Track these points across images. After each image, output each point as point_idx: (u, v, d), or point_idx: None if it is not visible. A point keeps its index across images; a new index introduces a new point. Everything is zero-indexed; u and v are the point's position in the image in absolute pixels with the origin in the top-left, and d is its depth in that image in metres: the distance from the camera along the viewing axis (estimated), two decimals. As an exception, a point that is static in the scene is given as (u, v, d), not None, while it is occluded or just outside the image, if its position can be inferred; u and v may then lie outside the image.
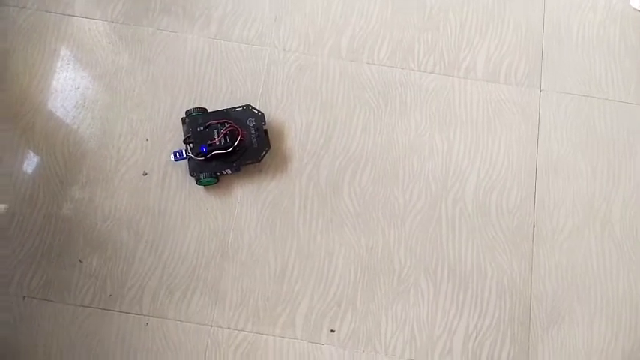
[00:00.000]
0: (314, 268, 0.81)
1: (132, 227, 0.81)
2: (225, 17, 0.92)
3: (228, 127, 0.81)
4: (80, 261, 0.80)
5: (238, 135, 0.81)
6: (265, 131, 0.84)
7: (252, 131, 0.83)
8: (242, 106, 0.84)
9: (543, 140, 0.87)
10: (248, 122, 0.84)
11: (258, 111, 0.85)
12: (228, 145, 0.81)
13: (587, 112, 0.88)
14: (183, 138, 0.83)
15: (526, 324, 0.78)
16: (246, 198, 0.83)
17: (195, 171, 0.82)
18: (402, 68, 0.90)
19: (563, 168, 0.85)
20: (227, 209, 0.83)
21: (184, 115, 0.85)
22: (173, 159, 0.82)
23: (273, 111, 0.87)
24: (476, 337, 0.78)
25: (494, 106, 0.89)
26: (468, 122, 0.88)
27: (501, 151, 0.86)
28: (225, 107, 0.85)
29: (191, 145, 0.82)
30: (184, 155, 0.82)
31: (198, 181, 0.82)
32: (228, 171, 0.83)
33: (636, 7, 0.92)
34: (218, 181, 0.83)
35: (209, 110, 0.85)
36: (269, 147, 0.84)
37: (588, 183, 0.85)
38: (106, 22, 0.91)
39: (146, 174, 0.84)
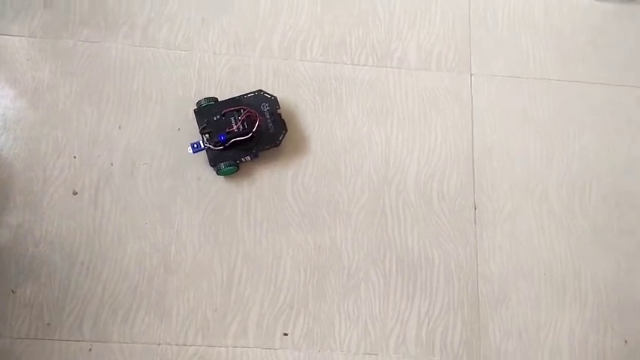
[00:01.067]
0: (262, 273, 0.79)
1: (65, 250, 0.77)
2: (150, 23, 0.89)
3: (246, 112, 0.81)
4: (13, 291, 0.75)
5: (256, 120, 0.81)
6: (280, 115, 0.84)
7: (268, 116, 0.83)
8: (254, 92, 0.84)
9: (477, 124, 0.88)
10: (262, 107, 0.83)
11: (271, 95, 0.84)
12: (247, 132, 0.80)
13: (518, 92, 0.90)
14: (198, 129, 0.81)
15: (475, 306, 0.80)
16: (186, 208, 0.81)
17: (215, 161, 0.81)
18: (336, 63, 0.90)
19: (499, 149, 0.87)
20: (167, 221, 0.80)
21: (195, 107, 0.83)
22: (191, 151, 0.81)
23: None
24: (428, 323, 0.78)
25: (428, 95, 0.89)
26: (404, 112, 0.88)
27: (438, 139, 0.87)
28: (235, 95, 0.84)
29: (207, 135, 0.80)
30: (202, 146, 0.81)
31: (219, 171, 0.81)
32: (248, 157, 0.82)
33: (555, -12, 0.95)
34: (238, 169, 0.82)
35: (220, 100, 0.84)
36: (286, 130, 0.83)
37: (524, 161, 0.86)
38: (23, 38, 0.86)
39: (76, 193, 0.80)
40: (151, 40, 0.88)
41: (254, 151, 0.82)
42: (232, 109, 0.82)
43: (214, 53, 0.88)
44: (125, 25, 0.89)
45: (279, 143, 0.83)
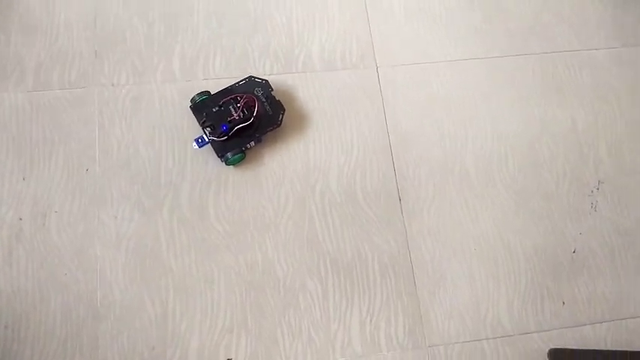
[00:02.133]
0: (196, 302, 0.77)
1: (-18, 317, 0.73)
2: (41, 66, 0.85)
3: (244, 99, 0.82)
4: None
5: (254, 105, 0.81)
6: (274, 96, 0.85)
7: (263, 99, 0.84)
8: (244, 79, 0.86)
9: (390, 115, 0.89)
10: (256, 92, 0.84)
11: (262, 79, 0.86)
12: (248, 117, 0.81)
13: (423, 78, 0.91)
14: (199, 122, 0.82)
15: (414, 294, 0.80)
16: (106, 250, 0.78)
17: (221, 151, 0.81)
18: (241, 76, 0.88)
19: (414, 137, 0.88)
20: (88, 267, 0.77)
21: (190, 104, 0.84)
22: (196, 146, 0.81)
23: (115, 149, 0.82)
24: (370, 321, 0.78)
25: (339, 94, 0.89)
26: (319, 114, 0.88)
27: (354, 135, 0.87)
28: (227, 85, 0.85)
29: (209, 128, 0.81)
30: (206, 140, 0.81)
31: (227, 161, 0.82)
32: (252, 143, 0.83)
33: (445, -30, 0.97)
34: (245, 157, 0.83)
35: (212, 92, 0.84)
36: (284, 109, 0.85)
37: (439, 143, 0.88)
38: None
39: (-16, 256, 0.76)
40: (45, 83, 0.84)
41: (257, 135, 0.83)
42: (229, 98, 0.82)
43: (112, 85, 0.85)
44: (15, 71, 0.85)
45: (280, 123, 0.84)
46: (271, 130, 0.84)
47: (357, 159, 0.86)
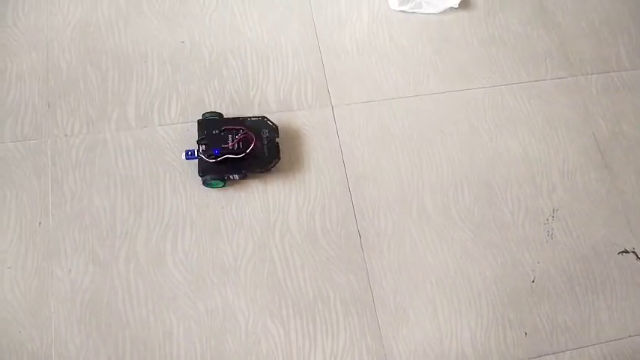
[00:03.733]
0: (155, 355, 0.75)
1: None
2: (-7, 118, 0.85)
3: (243, 133, 0.83)
4: None
5: (252, 142, 0.83)
6: (277, 144, 0.86)
7: (265, 142, 0.86)
8: (258, 117, 0.88)
9: (347, 152, 0.90)
10: (262, 133, 0.86)
11: (273, 124, 0.88)
12: (240, 151, 0.83)
13: (378, 115, 0.93)
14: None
15: (377, 332, 0.79)
16: (61, 305, 0.76)
17: (204, 172, 0.83)
18: (195, 121, 0.89)
19: (371, 173, 0.89)
20: (42, 324, 0.74)
21: (200, 118, 0.87)
22: (184, 157, 0.84)
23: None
24: (334, 362, 0.78)
25: (296, 134, 0.90)
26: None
27: (313, 175, 0.87)
28: (241, 116, 0.88)
29: (204, 146, 0.83)
30: (196, 155, 0.83)
31: (206, 183, 0.84)
32: (236, 176, 0.85)
33: (395, 7, 1.00)
34: (225, 185, 0.84)
35: (225, 116, 0.88)
36: (279, 158, 0.86)
37: (396, 179, 0.88)
38: None
39: None
40: (-4, 136, 0.84)
41: (243, 172, 0.84)
42: (233, 127, 0.84)
43: (66, 135, 0.85)
44: (-35, 125, 0.84)
45: (271, 169, 0.85)
46: (259, 172, 0.85)
47: (317, 198, 0.86)
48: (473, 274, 0.84)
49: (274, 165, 0.85)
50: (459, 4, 1.00)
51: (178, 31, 0.94)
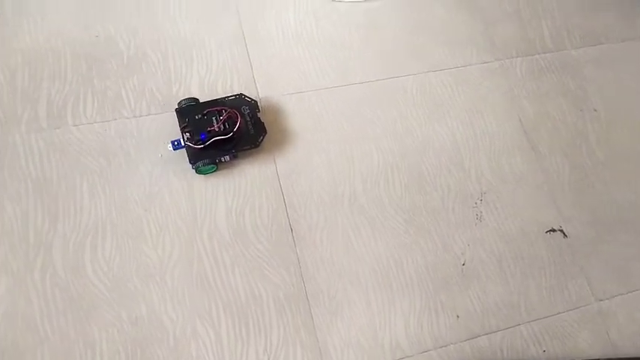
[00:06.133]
0: (77, 368, 0.72)
1: None
2: None
3: (228, 113, 0.82)
4: None
5: (237, 121, 0.81)
6: (259, 118, 0.86)
7: (248, 118, 0.85)
8: (235, 95, 0.87)
9: (276, 146, 0.87)
10: (243, 110, 0.85)
11: (251, 99, 0.86)
12: (227, 131, 0.81)
13: (307, 105, 0.91)
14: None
15: (311, 326, 0.78)
16: (-31, 323, 0.71)
17: (194, 159, 0.81)
18: (116, 119, 0.85)
19: (302, 166, 0.87)
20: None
21: (177, 107, 0.84)
22: (171, 148, 0.81)
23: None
24: (268, 359, 0.76)
25: (222, 128, 0.88)
26: (201, 152, 0.86)
27: (242, 171, 0.85)
28: (217, 97, 0.86)
29: (188, 133, 0.81)
30: (182, 144, 0.81)
31: (198, 170, 0.82)
32: (227, 157, 0.83)
33: (322, -3, 0.99)
34: (217, 169, 0.83)
35: (201, 100, 0.85)
36: (266, 132, 0.85)
37: (327, 170, 0.87)
38: None
39: None
40: None
41: (233, 151, 0.83)
42: (214, 109, 0.83)
43: (-31, 142, 0.79)
44: None
45: (259, 144, 0.84)
46: (248, 149, 0.84)
47: (246, 194, 0.84)
48: (405, 261, 0.83)
49: (262, 139, 0.84)
50: (385, -9, 0.99)
51: (92, 25, 0.89)
